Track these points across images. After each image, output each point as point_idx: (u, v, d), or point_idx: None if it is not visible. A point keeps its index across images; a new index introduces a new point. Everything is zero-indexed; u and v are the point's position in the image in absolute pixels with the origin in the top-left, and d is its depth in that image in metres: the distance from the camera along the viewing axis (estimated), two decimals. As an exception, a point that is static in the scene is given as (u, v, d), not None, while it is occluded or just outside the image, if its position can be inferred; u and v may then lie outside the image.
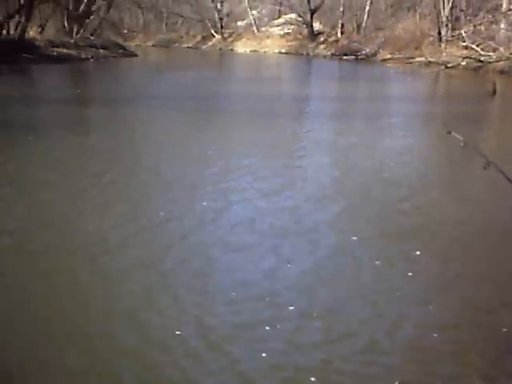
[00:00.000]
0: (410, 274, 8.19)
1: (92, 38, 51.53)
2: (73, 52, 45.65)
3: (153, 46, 75.17)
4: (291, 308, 7.12)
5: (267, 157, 15.14)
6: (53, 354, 6.09)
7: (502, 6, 46.02)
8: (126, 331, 6.49)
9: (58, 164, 13.88)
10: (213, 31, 76.57)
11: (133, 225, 9.71)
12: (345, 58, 57.61)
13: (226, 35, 75.51)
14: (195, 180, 12.80)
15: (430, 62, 47.43)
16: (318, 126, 20.79)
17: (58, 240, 9.05)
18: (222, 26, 76.38)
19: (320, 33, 67.75)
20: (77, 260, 8.32)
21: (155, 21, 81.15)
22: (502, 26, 44.46)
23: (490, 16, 45.34)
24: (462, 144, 6.58)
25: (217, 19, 76.13)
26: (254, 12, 74.91)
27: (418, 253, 8.91)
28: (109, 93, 28.44)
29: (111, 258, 8.45)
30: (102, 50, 49.33)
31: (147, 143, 17.19)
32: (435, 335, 6.62)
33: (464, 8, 51.91)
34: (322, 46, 65.02)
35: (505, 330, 6.74)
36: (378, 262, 8.51)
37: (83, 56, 46.21)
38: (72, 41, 47.96)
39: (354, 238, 9.45)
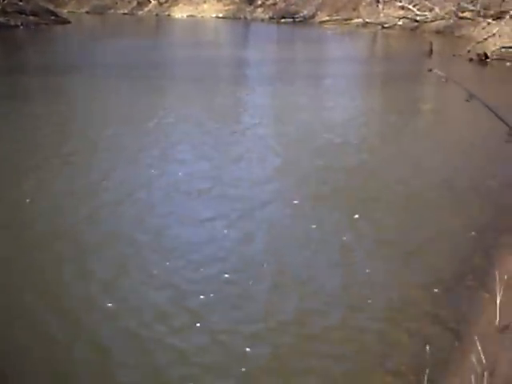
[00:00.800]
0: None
1: (21, 3, 49.36)
2: (0, 19, 43.71)
3: (87, 12, 72.70)
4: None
5: (210, 121, 14.91)
6: None
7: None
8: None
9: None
10: (148, -4, 74.73)
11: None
12: (283, 21, 57.18)
13: (162, 0, 73.88)
14: (134, 147, 12.54)
15: (367, 22, 47.60)
16: (261, 90, 20.61)
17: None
18: (157, -9, 74.60)
19: (257, -4, 67.02)
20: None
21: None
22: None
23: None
24: (443, 80, 6.62)
25: (151, -16, 74.29)
26: (189, -24, 73.43)
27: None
28: (44, 61, 27.44)
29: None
30: (32, 17, 47.39)
31: (88, 111, 16.74)
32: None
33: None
34: (259, 10, 64.34)
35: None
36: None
37: (12, 23, 44.35)
38: (-1, 7, 45.93)
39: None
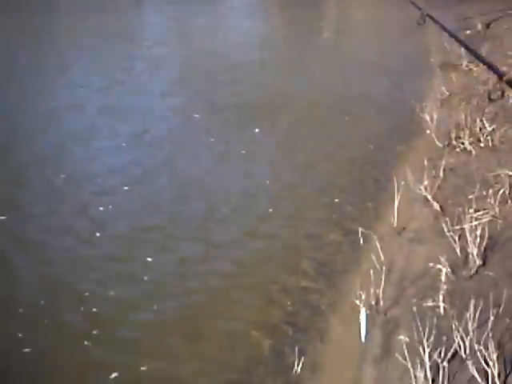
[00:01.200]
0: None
1: None
2: None
3: None
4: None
5: (114, 43, 14.35)
6: None
7: None
8: None
9: None
10: None
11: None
12: None
13: None
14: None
15: None
16: (163, 12, 19.92)
17: None
18: None
19: None
20: None
21: None
22: None
23: None
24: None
25: None
26: None
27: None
28: None
29: None
30: None
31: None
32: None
33: None
34: None
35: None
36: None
37: None
38: None
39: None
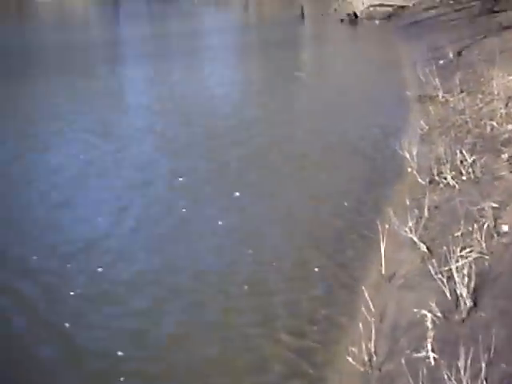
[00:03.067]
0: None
1: None
2: None
3: None
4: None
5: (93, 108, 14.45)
6: None
7: None
8: None
9: None
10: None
11: None
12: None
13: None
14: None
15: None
16: (140, 67, 20.10)
17: None
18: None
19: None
20: None
21: None
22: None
23: None
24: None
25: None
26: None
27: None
28: None
29: None
30: None
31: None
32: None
33: None
34: (128, -13, 62.73)
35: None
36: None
37: None
38: None
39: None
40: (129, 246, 7.29)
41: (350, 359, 4.71)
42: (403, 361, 4.57)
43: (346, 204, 8.15)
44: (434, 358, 4.50)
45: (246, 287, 6.24)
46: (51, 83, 17.61)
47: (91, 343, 5.47)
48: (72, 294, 6.19)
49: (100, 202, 8.76)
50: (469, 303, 5.06)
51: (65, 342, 5.49)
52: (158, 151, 10.75)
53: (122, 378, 4.98)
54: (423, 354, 4.59)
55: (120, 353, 5.32)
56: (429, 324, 4.73)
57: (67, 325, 5.69)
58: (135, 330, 5.64)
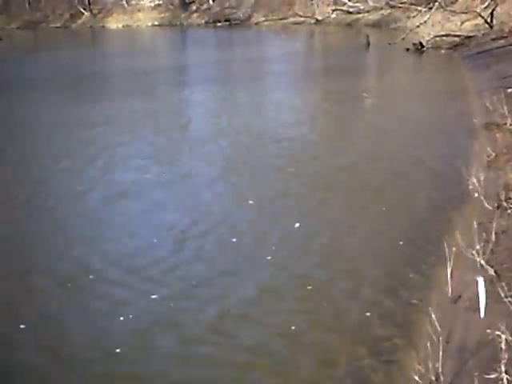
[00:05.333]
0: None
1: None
2: None
3: (18, 28, 71.30)
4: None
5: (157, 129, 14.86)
6: None
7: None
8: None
9: None
10: (81, 8, 73.60)
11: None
12: (219, 24, 57.11)
13: (95, 11, 72.82)
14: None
15: (302, 20, 48.03)
16: (206, 92, 20.55)
17: None
18: (89, 3, 73.47)
19: (192, 1, 66.75)
20: None
21: (16, 0, 76.47)
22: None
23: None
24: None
25: (83, -5, 73.09)
26: (121, -15, 72.53)
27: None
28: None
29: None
30: (-38, 36, 46.08)
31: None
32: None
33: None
34: (195, 15, 64.14)
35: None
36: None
37: None
38: None
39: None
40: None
41: (416, 378, 4.68)
42: (476, 381, 4.49)
43: (412, 227, 8.13)
44: (507, 379, 4.43)
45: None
46: (126, 105, 18.23)
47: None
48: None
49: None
50: (540, 326, 4.97)
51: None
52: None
53: None
54: (495, 375, 4.52)
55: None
56: (503, 345, 4.66)
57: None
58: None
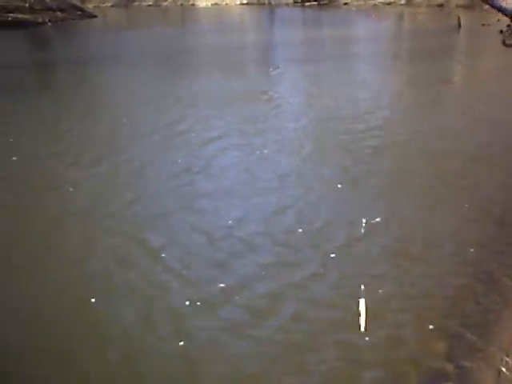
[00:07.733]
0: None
1: (48, 0, 49.86)
2: (29, 16, 44.19)
3: (111, 6, 73.32)
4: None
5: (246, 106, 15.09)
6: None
7: None
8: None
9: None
10: (171, -14, 74.85)
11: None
12: (307, 4, 56.88)
13: (185, -10, 73.92)
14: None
15: (392, 1, 47.23)
16: (296, 70, 20.63)
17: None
18: (180, -19, 74.63)
19: (280, -20, 66.64)
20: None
21: (110, -21, 78.56)
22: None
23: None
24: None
25: (174, -26, 74.21)
26: (211, -36, 73.15)
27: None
28: (75, 55, 27.75)
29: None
30: (59, 13, 47.88)
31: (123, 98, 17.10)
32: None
33: None
34: (283, -6, 64.08)
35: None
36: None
37: (40, 20, 44.81)
38: (27, 5, 46.38)
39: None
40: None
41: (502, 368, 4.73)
42: None
43: (492, 234, 7.97)
44: None
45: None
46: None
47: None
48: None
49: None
50: None
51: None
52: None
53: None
54: None
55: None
56: None
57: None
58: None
